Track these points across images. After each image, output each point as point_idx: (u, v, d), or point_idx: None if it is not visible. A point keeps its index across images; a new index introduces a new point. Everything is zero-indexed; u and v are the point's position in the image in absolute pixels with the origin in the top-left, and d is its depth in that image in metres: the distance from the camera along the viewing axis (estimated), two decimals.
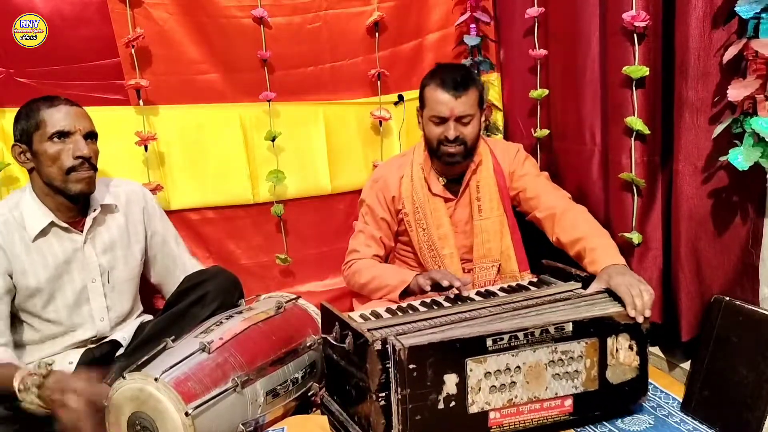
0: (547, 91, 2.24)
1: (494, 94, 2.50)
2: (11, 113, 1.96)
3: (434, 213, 2.02)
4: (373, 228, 2.09)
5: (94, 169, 1.73)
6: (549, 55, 2.21)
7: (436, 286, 1.82)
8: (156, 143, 2.16)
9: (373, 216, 2.09)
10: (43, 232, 1.71)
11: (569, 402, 1.54)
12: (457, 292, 1.79)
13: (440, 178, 2.05)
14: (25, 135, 1.69)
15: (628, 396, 1.60)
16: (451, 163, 1.98)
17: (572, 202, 1.95)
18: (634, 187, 1.82)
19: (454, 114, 1.90)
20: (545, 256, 1.95)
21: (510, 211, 2.05)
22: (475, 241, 2.04)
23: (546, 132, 2.26)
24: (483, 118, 2.00)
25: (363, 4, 2.33)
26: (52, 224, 1.72)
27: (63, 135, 1.67)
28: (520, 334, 1.47)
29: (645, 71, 1.73)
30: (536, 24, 2.22)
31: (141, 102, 2.12)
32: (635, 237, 1.83)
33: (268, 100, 2.26)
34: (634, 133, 1.78)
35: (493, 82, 2.49)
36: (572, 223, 1.84)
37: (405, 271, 1.97)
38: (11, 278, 1.68)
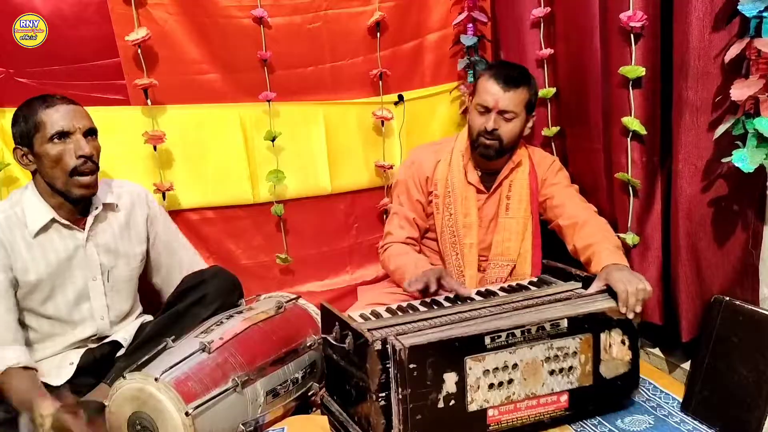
0: (554, 90, 2.25)
1: None
2: (11, 113, 1.96)
3: (465, 201, 2.04)
4: (408, 209, 2.11)
5: (97, 167, 1.73)
6: (554, 54, 2.21)
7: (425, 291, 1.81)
8: (161, 143, 2.16)
9: (408, 197, 2.11)
10: (44, 228, 1.71)
11: (565, 398, 1.56)
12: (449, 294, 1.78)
13: (477, 170, 2.07)
14: (26, 138, 1.69)
15: (621, 390, 1.63)
16: (484, 156, 1.99)
17: (596, 214, 1.96)
18: (630, 188, 1.82)
19: (498, 106, 1.93)
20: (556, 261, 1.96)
21: (536, 215, 2.07)
22: (496, 237, 2.05)
23: (556, 129, 2.27)
24: (529, 124, 2.02)
25: (363, 4, 2.33)
26: (53, 221, 1.72)
27: (63, 135, 1.66)
28: (517, 332, 1.48)
29: (641, 71, 1.73)
30: (542, 24, 2.22)
31: (149, 102, 2.12)
32: (630, 238, 1.83)
33: (268, 100, 2.26)
34: (631, 133, 1.79)
35: None
36: (589, 232, 1.86)
37: (424, 266, 1.96)
38: (12, 272, 1.68)
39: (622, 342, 1.59)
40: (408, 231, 2.10)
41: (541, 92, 2.25)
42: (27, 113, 1.69)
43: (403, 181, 2.14)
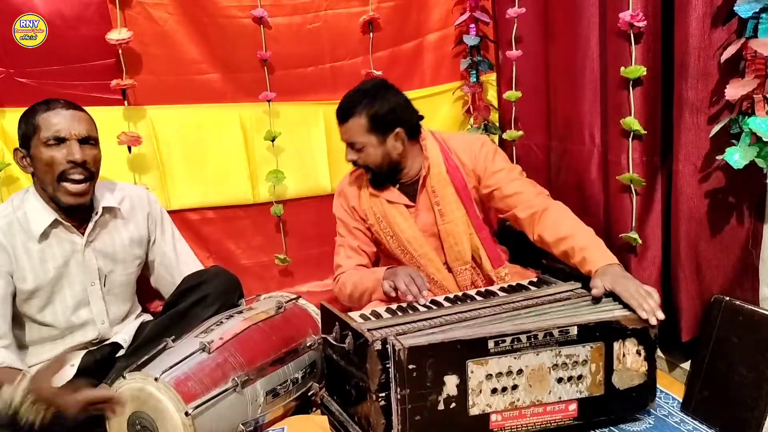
0: (520, 94, 2.27)
1: (493, 95, 2.51)
2: (11, 113, 1.96)
3: (396, 219, 2.00)
4: (350, 239, 2.08)
5: (91, 174, 1.70)
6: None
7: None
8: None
9: (346, 227, 2.09)
10: (45, 234, 1.70)
11: (573, 407, 1.51)
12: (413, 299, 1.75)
13: (394, 186, 2.02)
14: (25, 139, 1.68)
15: (636, 402, 1.57)
16: (372, 183, 2.01)
17: (551, 199, 1.91)
18: (633, 188, 1.82)
19: (343, 139, 1.96)
20: (529, 248, 1.94)
21: (472, 209, 2.00)
22: (445, 245, 2.01)
23: (518, 134, 2.29)
24: (393, 142, 1.92)
25: (363, 4, 2.33)
26: (56, 222, 1.71)
27: (58, 140, 1.65)
28: (523, 337, 1.45)
29: (642, 71, 1.72)
30: (515, 24, 2.24)
31: (126, 102, 2.12)
32: (635, 237, 1.83)
33: (268, 100, 2.26)
34: (632, 133, 1.78)
35: (492, 83, 2.50)
36: (555, 221, 1.81)
37: (380, 270, 1.96)
38: (12, 279, 1.67)
39: (638, 353, 1.53)
40: (356, 259, 2.06)
41: (507, 95, 2.27)
42: (28, 115, 1.68)
43: (338, 213, 2.12)
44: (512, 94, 2.28)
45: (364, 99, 1.92)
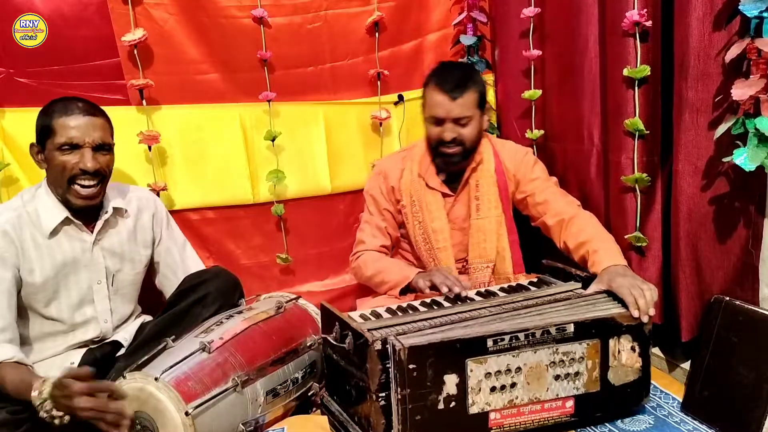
0: (539, 92, 2.25)
1: (490, 94, 2.51)
2: (11, 113, 1.96)
3: (429, 206, 2.03)
4: (378, 219, 2.11)
5: (102, 180, 1.71)
6: (545, 55, 2.21)
7: (435, 287, 1.83)
8: (156, 143, 2.16)
9: (377, 207, 2.12)
10: (55, 231, 1.71)
11: (570, 403, 1.53)
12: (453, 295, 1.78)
13: (439, 174, 2.05)
14: (41, 137, 1.69)
15: (630, 397, 1.59)
16: (449, 164, 1.99)
17: (581, 208, 1.95)
18: (637, 188, 1.81)
19: (450, 116, 1.91)
20: (543, 257, 1.95)
21: (509, 211, 2.05)
22: (471, 240, 2.04)
23: (540, 133, 2.27)
24: (486, 118, 2.01)
25: (363, 4, 2.33)
26: (67, 220, 1.72)
27: (72, 147, 1.66)
28: (521, 335, 1.46)
29: (647, 71, 1.72)
30: (531, 24, 2.22)
31: (144, 102, 2.12)
32: (639, 238, 1.83)
33: (268, 100, 2.26)
34: (637, 133, 1.78)
35: (488, 82, 2.50)
36: (578, 229, 1.85)
37: (409, 268, 1.98)
38: (18, 272, 1.68)
39: (632, 349, 1.55)
40: (380, 240, 2.10)
41: (527, 94, 2.26)
42: (46, 114, 1.69)
43: (371, 191, 2.14)
44: (533, 93, 2.26)
45: (473, 73, 1.97)
